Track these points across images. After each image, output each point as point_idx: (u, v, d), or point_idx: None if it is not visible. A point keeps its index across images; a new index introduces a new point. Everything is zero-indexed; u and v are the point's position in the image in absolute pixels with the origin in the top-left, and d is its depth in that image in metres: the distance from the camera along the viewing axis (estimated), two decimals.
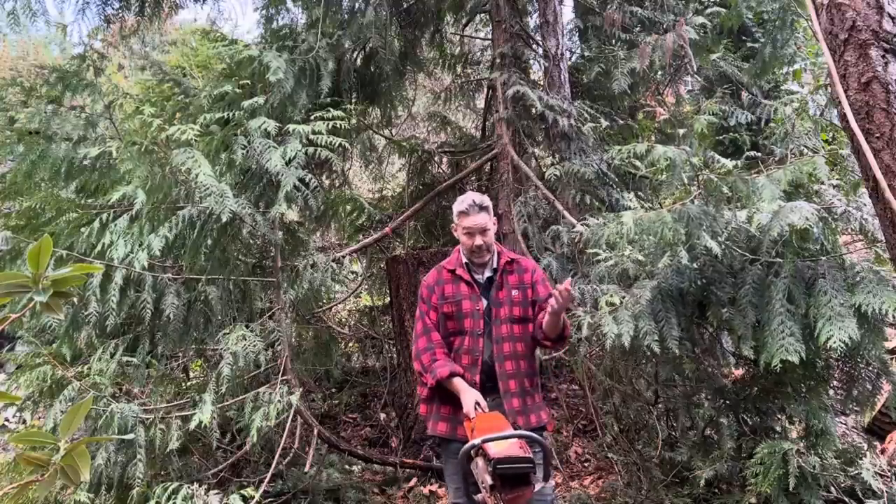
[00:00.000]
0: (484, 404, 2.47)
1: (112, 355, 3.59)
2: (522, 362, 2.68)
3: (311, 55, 4.77)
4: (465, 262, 2.76)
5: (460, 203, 2.70)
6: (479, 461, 2.20)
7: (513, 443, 2.16)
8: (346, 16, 5.41)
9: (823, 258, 3.01)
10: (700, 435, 3.83)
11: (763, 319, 2.98)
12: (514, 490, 2.11)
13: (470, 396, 2.48)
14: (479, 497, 2.22)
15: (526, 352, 2.70)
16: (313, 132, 3.79)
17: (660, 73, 6.20)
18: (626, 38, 5.49)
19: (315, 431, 3.92)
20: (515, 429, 2.52)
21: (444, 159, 6.61)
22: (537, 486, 2.20)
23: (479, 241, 2.66)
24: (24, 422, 5.51)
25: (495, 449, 2.13)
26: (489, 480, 2.12)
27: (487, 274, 2.75)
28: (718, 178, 3.16)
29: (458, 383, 2.55)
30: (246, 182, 4.00)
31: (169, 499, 3.04)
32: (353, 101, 5.70)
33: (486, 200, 2.71)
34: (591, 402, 4.43)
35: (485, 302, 2.71)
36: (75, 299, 3.57)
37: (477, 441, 2.15)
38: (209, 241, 3.80)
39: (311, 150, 3.77)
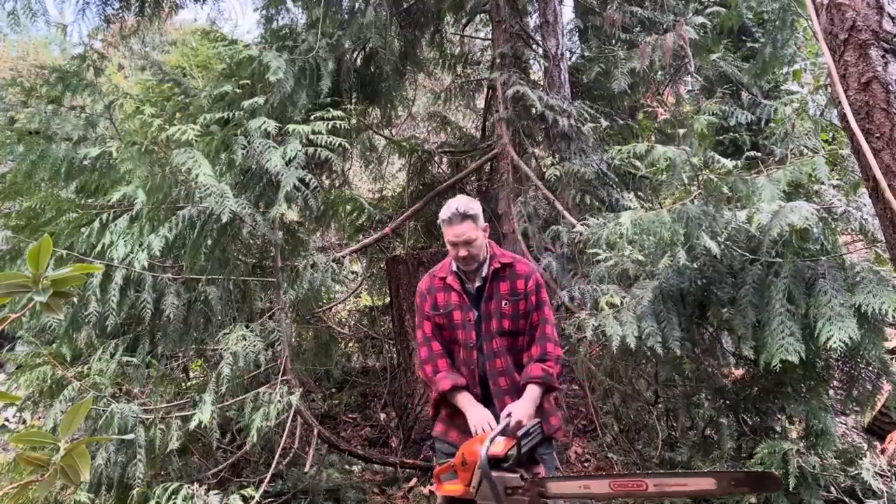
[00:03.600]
0: (493, 423, 2.36)
1: (112, 355, 3.59)
2: (518, 375, 2.52)
3: (311, 55, 4.77)
4: (456, 270, 2.60)
5: (444, 211, 2.50)
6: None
7: (505, 438, 2.21)
8: (346, 16, 5.42)
9: (823, 258, 3.00)
10: (700, 435, 3.82)
11: (763, 319, 2.98)
12: (534, 467, 2.25)
13: (476, 414, 2.40)
14: (526, 475, 2.19)
15: (521, 363, 2.56)
16: (313, 132, 3.79)
17: (660, 73, 6.21)
18: (626, 38, 5.50)
19: (315, 431, 3.91)
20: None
21: (444, 159, 6.60)
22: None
23: (462, 252, 2.47)
24: (24, 422, 5.52)
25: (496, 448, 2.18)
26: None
27: (478, 283, 2.57)
28: (718, 178, 3.16)
29: (462, 398, 2.45)
30: (246, 182, 4.00)
31: (169, 499, 3.04)
32: (353, 101, 5.70)
33: (471, 208, 2.47)
34: (591, 402, 4.43)
35: (475, 313, 2.54)
36: (75, 299, 3.57)
37: (484, 452, 2.15)
38: (209, 241, 3.80)
39: (311, 150, 3.77)
